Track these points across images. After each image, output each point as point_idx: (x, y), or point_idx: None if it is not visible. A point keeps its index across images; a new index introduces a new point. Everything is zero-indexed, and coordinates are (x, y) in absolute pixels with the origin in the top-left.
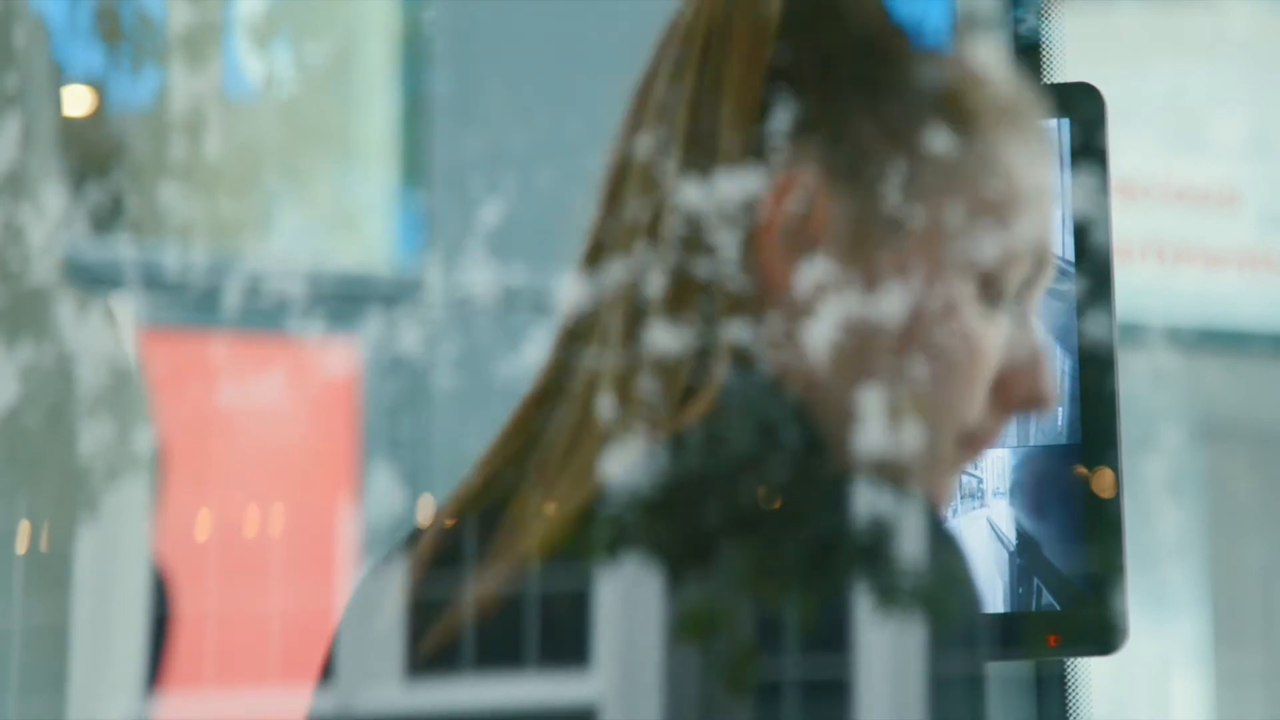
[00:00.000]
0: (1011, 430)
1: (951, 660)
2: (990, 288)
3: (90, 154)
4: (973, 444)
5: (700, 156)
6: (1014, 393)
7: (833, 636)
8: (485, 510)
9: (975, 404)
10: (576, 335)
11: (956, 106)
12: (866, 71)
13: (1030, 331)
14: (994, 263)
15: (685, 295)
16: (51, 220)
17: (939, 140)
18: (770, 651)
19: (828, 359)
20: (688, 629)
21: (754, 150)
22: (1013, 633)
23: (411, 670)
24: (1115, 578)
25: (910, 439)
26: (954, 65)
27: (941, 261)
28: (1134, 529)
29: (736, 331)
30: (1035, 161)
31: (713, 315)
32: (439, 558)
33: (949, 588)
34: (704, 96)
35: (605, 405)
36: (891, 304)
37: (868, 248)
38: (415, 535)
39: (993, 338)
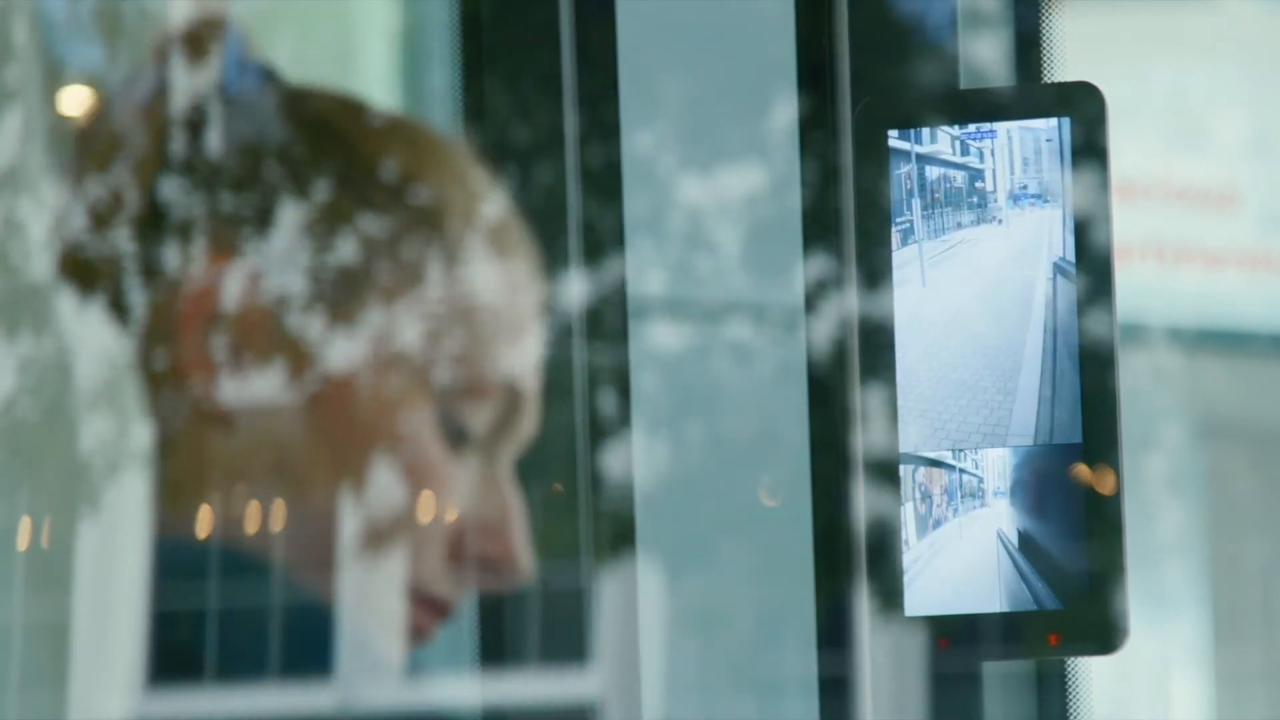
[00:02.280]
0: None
1: None
2: (449, 421)
3: (90, 150)
4: (424, 602)
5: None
6: (470, 554)
7: None
8: None
9: (427, 552)
10: None
11: (419, 200)
12: (307, 156)
13: (501, 486)
14: (450, 390)
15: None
16: (51, 215)
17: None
18: None
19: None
20: None
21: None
22: (1013, 632)
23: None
24: (1116, 577)
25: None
26: (436, 159)
27: (391, 379)
28: (1134, 528)
29: None
30: (518, 292)
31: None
32: None
33: None
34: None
35: None
36: (328, 414)
37: (297, 344)
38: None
39: (452, 481)
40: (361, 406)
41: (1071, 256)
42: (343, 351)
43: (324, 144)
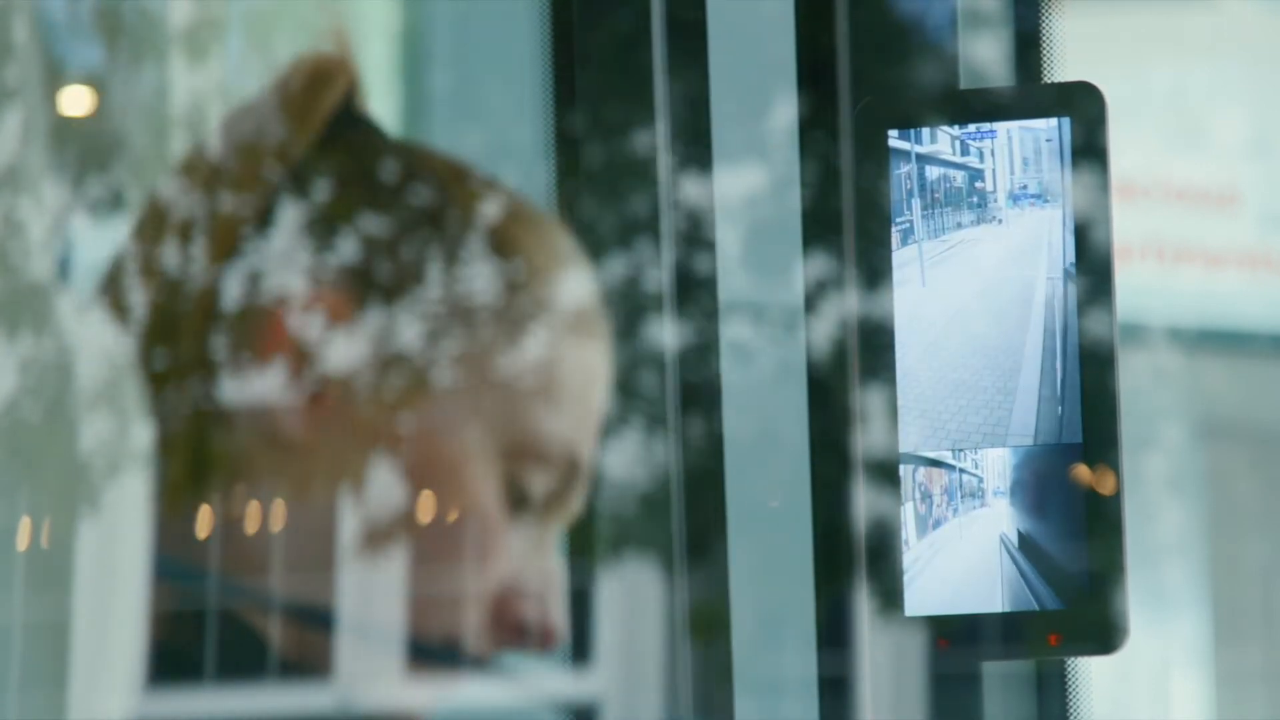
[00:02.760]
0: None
1: None
2: (514, 484)
3: (90, 150)
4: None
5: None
6: (510, 617)
7: None
8: None
9: (468, 610)
10: None
11: (502, 250)
12: (409, 203)
13: (547, 554)
14: (519, 453)
15: None
16: (51, 215)
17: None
18: None
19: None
20: None
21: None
22: (1013, 632)
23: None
24: (1116, 577)
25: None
26: (524, 224)
27: (462, 425)
28: (1134, 528)
29: None
30: (588, 366)
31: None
32: None
33: None
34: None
35: None
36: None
37: (377, 395)
38: None
39: (505, 544)
40: (438, 459)
41: (1071, 256)
42: (434, 410)
43: (423, 201)
